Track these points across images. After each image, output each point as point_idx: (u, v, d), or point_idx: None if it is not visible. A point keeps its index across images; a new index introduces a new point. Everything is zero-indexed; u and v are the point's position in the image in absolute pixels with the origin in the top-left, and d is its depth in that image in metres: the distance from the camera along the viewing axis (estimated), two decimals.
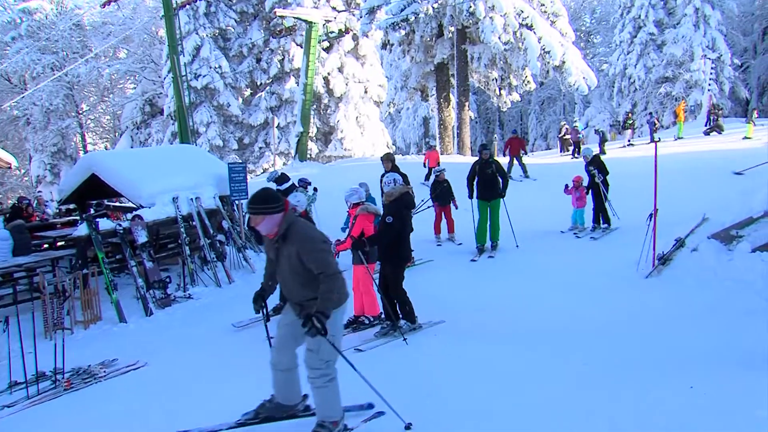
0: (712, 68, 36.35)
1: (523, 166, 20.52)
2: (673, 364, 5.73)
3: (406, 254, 7.42)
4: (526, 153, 21.68)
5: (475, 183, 12.15)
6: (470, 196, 12.31)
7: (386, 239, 7.21)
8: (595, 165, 12.92)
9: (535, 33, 24.41)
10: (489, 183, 11.86)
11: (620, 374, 5.60)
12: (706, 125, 26.48)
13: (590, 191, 13.03)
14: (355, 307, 8.01)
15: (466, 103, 27.12)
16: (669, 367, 5.65)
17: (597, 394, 5.22)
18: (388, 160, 12.08)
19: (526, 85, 26.95)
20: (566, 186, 13.40)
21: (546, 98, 53.71)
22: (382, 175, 11.53)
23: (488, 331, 7.23)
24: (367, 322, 7.93)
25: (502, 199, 11.91)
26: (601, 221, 13.02)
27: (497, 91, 28.25)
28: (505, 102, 28.81)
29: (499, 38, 24.15)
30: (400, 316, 7.35)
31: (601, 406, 4.98)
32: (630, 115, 29.76)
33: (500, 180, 11.84)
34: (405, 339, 6.98)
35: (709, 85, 35.95)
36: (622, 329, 6.99)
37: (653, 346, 6.34)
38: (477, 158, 12.33)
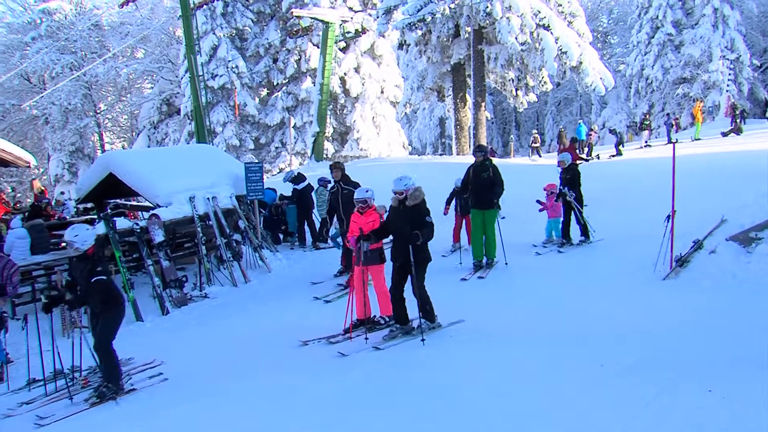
0: (730, 69, 36.00)
1: None
2: (690, 366, 5.68)
3: (428, 254, 7.44)
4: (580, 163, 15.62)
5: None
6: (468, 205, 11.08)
7: (431, 237, 7.28)
8: (570, 173, 11.85)
9: (552, 33, 24.29)
10: (484, 189, 10.48)
11: (637, 376, 5.56)
12: (731, 124, 26.18)
13: (562, 203, 11.91)
14: (357, 310, 7.90)
15: (483, 104, 27.03)
16: (686, 369, 5.61)
17: (613, 395, 5.20)
18: (337, 168, 11.04)
19: (542, 85, 26.82)
20: (539, 201, 12.46)
21: (563, 99, 53.46)
22: (333, 186, 11.04)
23: (504, 332, 7.21)
24: (383, 322, 7.92)
25: (497, 210, 10.60)
26: (573, 235, 11.99)
27: (514, 92, 28.18)
28: (521, 102, 28.74)
29: (516, 38, 24.05)
30: (420, 315, 7.34)
31: (616, 407, 4.96)
32: (647, 116, 29.58)
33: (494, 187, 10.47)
34: (423, 340, 6.98)
35: (728, 86, 35.61)
36: (639, 330, 6.94)
37: (670, 348, 6.29)
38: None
